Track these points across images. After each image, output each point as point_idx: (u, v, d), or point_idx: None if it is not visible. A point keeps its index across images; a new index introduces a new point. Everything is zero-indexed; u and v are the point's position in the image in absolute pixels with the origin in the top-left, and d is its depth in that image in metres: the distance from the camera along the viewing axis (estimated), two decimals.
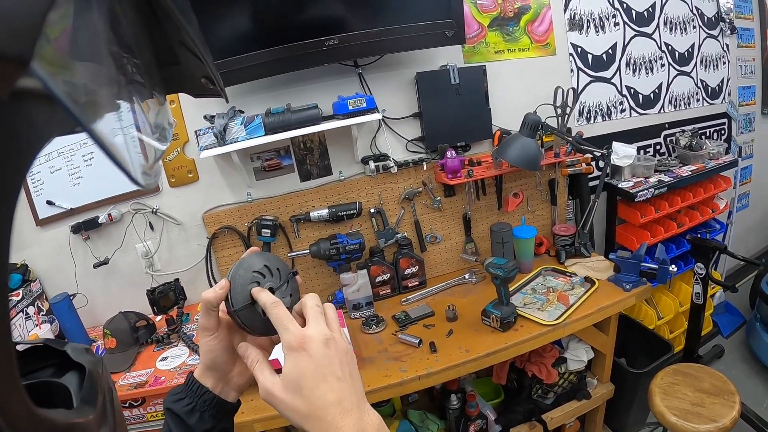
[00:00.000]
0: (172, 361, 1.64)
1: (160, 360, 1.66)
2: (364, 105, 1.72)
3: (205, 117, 1.67)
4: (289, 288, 0.61)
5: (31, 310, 1.77)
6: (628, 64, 2.47)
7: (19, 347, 0.35)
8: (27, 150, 0.20)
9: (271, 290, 0.57)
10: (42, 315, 1.81)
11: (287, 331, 0.50)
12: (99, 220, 1.80)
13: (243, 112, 1.73)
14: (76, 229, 1.80)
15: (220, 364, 0.59)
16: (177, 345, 1.74)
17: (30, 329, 1.72)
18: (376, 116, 1.73)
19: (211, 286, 1.87)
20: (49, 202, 1.78)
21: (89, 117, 0.22)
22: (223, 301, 0.57)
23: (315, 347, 0.49)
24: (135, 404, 1.56)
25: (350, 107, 1.70)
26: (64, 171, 1.78)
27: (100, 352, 1.72)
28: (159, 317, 1.86)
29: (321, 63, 1.73)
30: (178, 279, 1.90)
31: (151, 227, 1.89)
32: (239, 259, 0.59)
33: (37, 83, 0.18)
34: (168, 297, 1.85)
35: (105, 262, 1.85)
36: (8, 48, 0.16)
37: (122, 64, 0.33)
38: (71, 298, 1.80)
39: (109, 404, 0.35)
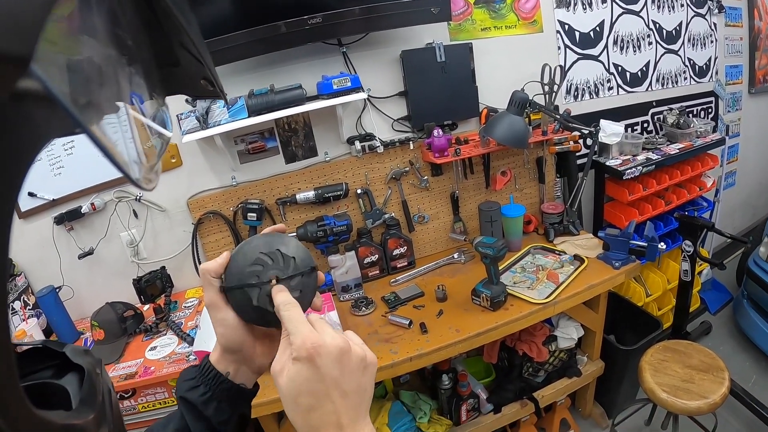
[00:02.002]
0: (162, 351, 1.63)
1: (149, 350, 1.64)
2: (349, 84, 1.69)
3: (186, 100, 1.63)
4: (300, 284, 0.54)
5: (17, 305, 1.74)
6: (615, 42, 2.46)
7: (18, 348, 0.37)
8: (27, 151, 0.20)
9: (277, 279, 0.53)
10: (29, 309, 1.78)
11: (299, 334, 0.45)
12: (82, 210, 1.77)
13: (226, 94, 1.69)
14: (60, 220, 1.77)
15: (238, 343, 0.54)
16: (166, 334, 1.72)
17: (17, 324, 1.69)
18: (362, 95, 1.71)
19: (198, 272, 1.87)
20: (31, 194, 1.74)
21: (88, 118, 0.22)
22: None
23: (325, 359, 0.43)
24: (126, 396, 1.55)
25: (335, 87, 1.68)
26: (45, 161, 1.74)
27: (88, 344, 1.69)
28: (146, 306, 1.84)
29: (304, 42, 1.69)
30: (164, 267, 1.87)
31: (135, 215, 1.86)
32: (259, 234, 0.55)
33: (37, 84, 0.18)
34: (155, 285, 1.82)
35: (90, 253, 1.82)
36: (8, 49, 0.16)
37: (122, 66, 0.33)
38: (57, 290, 1.77)
39: (108, 405, 0.35)
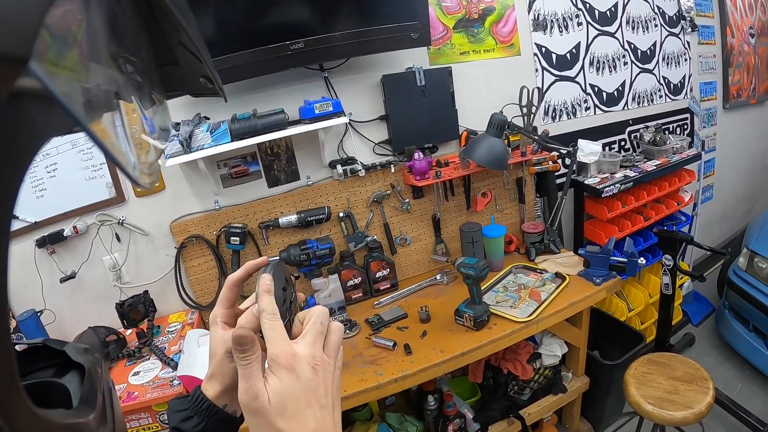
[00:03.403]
0: (145, 376, 1.61)
1: (133, 375, 1.62)
2: (331, 109, 1.71)
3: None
4: (296, 299, 0.57)
5: None
6: (591, 63, 2.52)
7: (19, 347, 0.35)
8: (26, 150, 0.20)
9: (290, 303, 0.54)
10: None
11: (276, 345, 0.46)
12: (64, 233, 1.75)
13: (209, 119, 1.71)
14: (41, 243, 1.75)
15: (233, 367, 0.54)
16: (149, 358, 1.70)
17: None
18: (343, 120, 1.73)
19: (181, 296, 1.86)
20: (13, 216, 1.73)
21: (88, 117, 0.22)
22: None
23: (302, 369, 0.45)
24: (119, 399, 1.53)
25: (317, 111, 1.70)
26: (27, 183, 1.72)
27: None
28: (129, 331, 1.82)
29: (286, 67, 1.71)
30: (147, 291, 1.86)
31: (118, 239, 1.85)
32: (260, 263, 0.57)
33: (36, 83, 0.18)
34: (137, 310, 1.81)
35: (72, 276, 1.80)
36: (7, 48, 0.16)
37: (121, 64, 0.33)
38: (38, 314, 1.74)
39: (108, 404, 0.35)
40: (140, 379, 1.60)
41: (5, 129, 0.18)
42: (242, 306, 0.57)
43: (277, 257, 1.86)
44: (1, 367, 0.21)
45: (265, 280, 0.50)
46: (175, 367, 1.60)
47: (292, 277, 0.58)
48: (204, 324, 1.95)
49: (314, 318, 0.50)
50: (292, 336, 0.50)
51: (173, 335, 1.82)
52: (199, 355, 1.61)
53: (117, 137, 0.30)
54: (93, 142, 0.22)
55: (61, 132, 0.23)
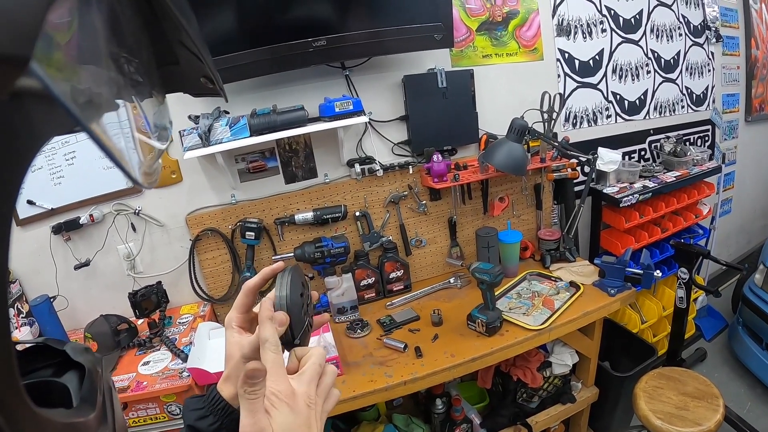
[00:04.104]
0: (154, 366, 1.61)
1: (142, 364, 1.62)
2: (351, 107, 1.71)
3: (189, 117, 1.65)
4: (311, 302, 0.60)
5: (10, 312, 1.72)
6: (614, 71, 2.49)
7: (19, 347, 0.35)
8: (27, 150, 0.20)
9: (307, 307, 0.57)
10: (22, 317, 1.77)
11: (280, 382, 0.49)
12: (80, 221, 1.77)
13: (228, 113, 1.71)
14: (57, 230, 1.76)
15: None
16: (159, 349, 1.71)
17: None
18: (363, 119, 1.72)
19: (194, 288, 1.86)
20: (30, 202, 1.74)
21: (89, 117, 0.22)
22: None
23: (300, 406, 0.49)
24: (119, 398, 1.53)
25: (337, 109, 1.69)
26: (45, 170, 1.74)
27: None
28: (141, 321, 1.83)
29: (308, 64, 1.71)
30: (160, 282, 1.86)
31: (134, 228, 1.86)
32: (278, 268, 0.59)
33: (36, 83, 0.18)
34: (150, 300, 1.81)
35: (86, 264, 1.82)
36: (7, 48, 0.16)
37: (121, 64, 0.33)
38: (52, 300, 1.76)
39: (108, 403, 0.35)
40: (150, 369, 1.60)
41: (6, 128, 0.18)
42: (255, 309, 0.59)
43: (292, 254, 1.86)
44: (2, 367, 0.21)
45: (266, 305, 0.54)
46: (185, 359, 1.60)
47: (307, 278, 0.60)
48: (215, 317, 1.95)
49: (314, 359, 0.53)
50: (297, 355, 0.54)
51: (184, 327, 1.82)
52: (209, 348, 1.61)
53: (117, 137, 0.30)
54: (93, 142, 0.22)
55: (62, 132, 0.23)
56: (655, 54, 2.63)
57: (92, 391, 0.34)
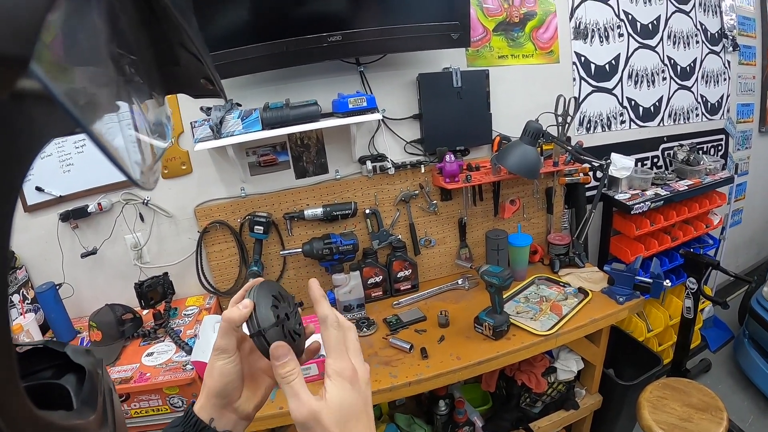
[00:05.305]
0: (158, 357, 1.61)
1: (146, 355, 1.62)
2: (365, 104, 1.69)
3: (201, 109, 1.64)
4: (297, 317, 0.58)
5: (15, 298, 1.72)
6: (630, 76, 2.47)
7: (19, 348, 0.37)
8: (27, 151, 0.20)
9: (286, 316, 0.55)
10: (27, 303, 1.76)
11: (342, 359, 0.49)
12: (88, 209, 1.76)
13: (240, 106, 1.69)
14: (65, 217, 1.76)
15: (230, 391, 0.56)
16: (164, 340, 1.70)
17: (14, 318, 1.67)
18: (376, 116, 1.71)
19: (200, 280, 1.85)
20: (38, 189, 1.74)
21: (89, 118, 0.22)
22: (245, 323, 0.54)
23: (363, 384, 0.49)
24: (120, 400, 1.53)
25: (350, 106, 1.68)
26: (55, 157, 1.73)
27: (84, 344, 1.68)
28: (146, 311, 1.82)
29: (322, 59, 1.70)
30: (167, 273, 1.86)
31: (142, 218, 1.86)
32: (254, 283, 0.57)
33: (37, 84, 0.18)
34: (156, 291, 1.80)
35: (93, 252, 1.81)
36: (7, 49, 0.16)
37: (121, 65, 0.32)
38: (57, 287, 1.75)
39: (109, 405, 0.35)
40: (153, 360, 1.59)
41: (6, 129, 0.18)
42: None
43: (300, 249, 1.85)
44: (2, 369, 0.21)
45: (315, 285, 0.56)
46: (189, 352, 1.59)
47: (288, 293, 0.59)
48: (221, 309, 1.94)
49: (352, 335, 0.53)
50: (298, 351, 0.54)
51: (189, 319, 1.82)
52: (213, 342, 1.60)
53: (117, 138, 0.30)
54: (93, 143, 0.22)
55: (62, 133, 0.23)
56: (672, 61, 2.60)
57: (92, 393, 0.34)
